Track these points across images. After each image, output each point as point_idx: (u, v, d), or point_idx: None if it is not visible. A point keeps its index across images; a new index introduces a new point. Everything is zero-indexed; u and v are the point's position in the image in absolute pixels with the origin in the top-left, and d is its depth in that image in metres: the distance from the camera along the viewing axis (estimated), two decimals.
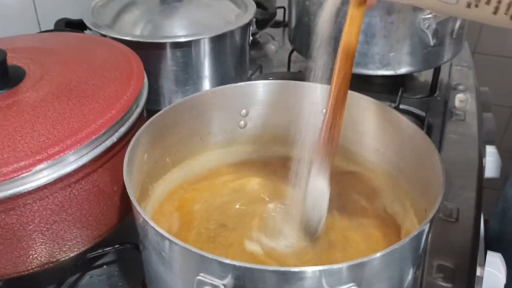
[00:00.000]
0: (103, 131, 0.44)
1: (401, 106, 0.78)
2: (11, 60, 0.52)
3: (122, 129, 0.47)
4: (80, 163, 0.43)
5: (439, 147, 0.70)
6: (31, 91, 0.48)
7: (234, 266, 0.33)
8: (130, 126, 0.48)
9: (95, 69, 0.52)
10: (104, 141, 0.45)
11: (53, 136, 0.43)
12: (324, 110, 0.45)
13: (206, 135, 0.56)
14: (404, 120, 0.49)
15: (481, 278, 0.55)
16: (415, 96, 0.84)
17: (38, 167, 0.41)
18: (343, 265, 0.33)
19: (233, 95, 0.55)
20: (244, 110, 0.57)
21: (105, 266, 0.54)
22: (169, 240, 0.35)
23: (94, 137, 0.44)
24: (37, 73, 0.51)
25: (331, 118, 0.44)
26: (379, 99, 0.53)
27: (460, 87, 0.84)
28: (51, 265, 0.47)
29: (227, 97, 0.55)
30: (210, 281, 0.34)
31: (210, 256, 0.33)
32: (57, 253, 0.47)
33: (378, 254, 0.34)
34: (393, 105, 0.76)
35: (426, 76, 0.88)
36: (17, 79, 0.50)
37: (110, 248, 0.51)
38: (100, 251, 0.51)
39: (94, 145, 0.44)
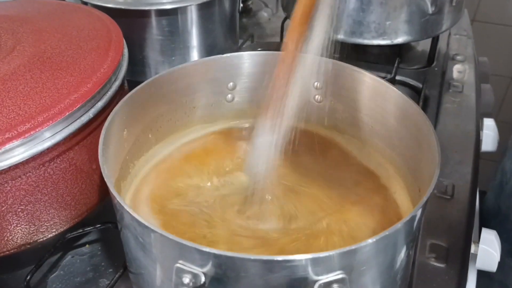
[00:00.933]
0: (77, 107, 0.41)
1: (398, 77, 0.75)
2: None
3: (99, 104, 0.44)
4: (53, 140, 0.40)
5: (436, 120, 0.68)
6: (1, 63, 0.45)
7: (214, 254, 0.31)
8: (108, 101, 0.45)
9: (71, 39, 0.49)
10: (79, 117, 0.42)
11: (24, 112, 0.40)
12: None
13: (191, 110, 0.53)
14: (400, 95, 0.47)
15: (475, 255, 0.54)
16: (412, 67, 0.81)
17: (8, 145, 0.38)
18: (332, 253, 0.31)
19: (219, 67, 0.52)
20: (231, 83, 0.54)
21: (87, 245, 0.52)
22: (146, 226, 0.32)
23: (68, 113, 0.41)
24: (9, 44, 0.48)
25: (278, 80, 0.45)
26: (375, 70, 0.50)
27: (459, 57, 0.81)
28: (29, 246, 0.45)
29: (213, 69, 0.52)
30: (189, 269, 0.32)
31: (188, 243, 0.31)
32: (34, 234, 0.44)
33: (369, 241, 0.32)
34: (389, 76, 0.73)
35: (424, 46, 0.85)
36: None
37: (90, 228, 0.49)
38: (81, 231, 0.49)
39: (69, 121, 0.41)
